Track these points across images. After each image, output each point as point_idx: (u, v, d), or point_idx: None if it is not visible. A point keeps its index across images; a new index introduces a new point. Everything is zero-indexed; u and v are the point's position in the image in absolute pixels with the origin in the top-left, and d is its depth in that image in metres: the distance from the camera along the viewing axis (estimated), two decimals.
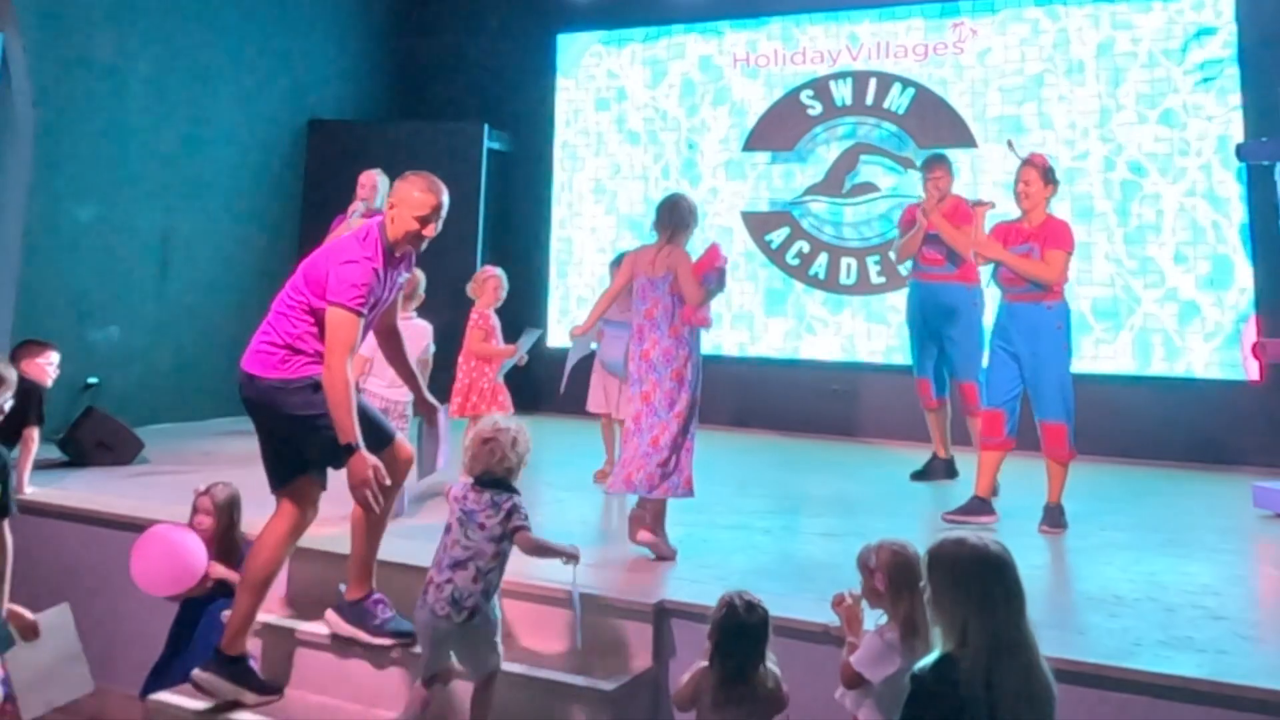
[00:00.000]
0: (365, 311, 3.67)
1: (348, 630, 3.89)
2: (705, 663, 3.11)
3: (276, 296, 3.88)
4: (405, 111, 10.11)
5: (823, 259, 8.78)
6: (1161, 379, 7.68)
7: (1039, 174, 5.24)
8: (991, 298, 5.82)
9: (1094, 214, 7.94)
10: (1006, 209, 5.72)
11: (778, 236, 8.95)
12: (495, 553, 3.53)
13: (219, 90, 8.47)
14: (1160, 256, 7.80)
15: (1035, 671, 2.47)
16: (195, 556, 4.10)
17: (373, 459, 3.56)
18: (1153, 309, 7.78)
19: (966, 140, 8.36)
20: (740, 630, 3.05)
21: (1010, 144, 5.89)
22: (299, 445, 3.74)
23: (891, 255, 7.54)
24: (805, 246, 8.84)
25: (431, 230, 3.82)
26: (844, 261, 8.70)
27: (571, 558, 3.64)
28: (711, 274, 4.51)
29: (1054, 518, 5.12)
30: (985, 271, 5.72)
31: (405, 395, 4.90)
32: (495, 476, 3.62)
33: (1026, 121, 8.25)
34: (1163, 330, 7.73)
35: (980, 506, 5.15)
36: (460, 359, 5.83)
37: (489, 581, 3.52)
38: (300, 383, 3.68)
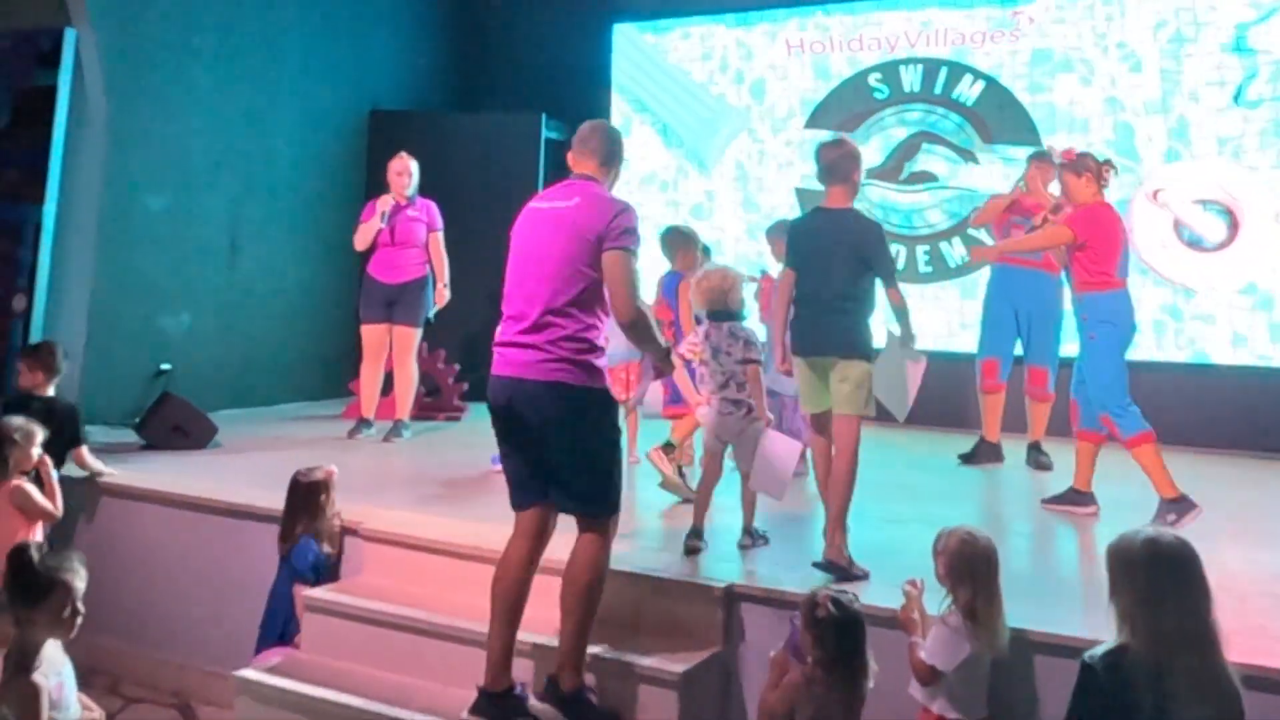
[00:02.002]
0: None
1: None
2: (794, 673, 3.06)
3: None
4: (464, 102, 10.20)
5: None
6: (1231, 368, 7.58)
7: (1068, 171, 5.27)
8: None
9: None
10: None
11: None
12: (744, 370, 4.34)
13: (283, 81, 8.60)
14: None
15: (1210, 669, 2.42)
16: None
17: None
18: (1215, 296, 7.70)
19: (1032, 139, 8.25)
20: (850, 625, 3.01)
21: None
22: None
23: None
24: None
25: None
26: (893, 248, 8.62)
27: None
28: None
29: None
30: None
31: None
32: (729, 311, 4.40)
33: (1084, 108, 8.16)
34: (1229, 317, 7.65)
35: (1079, 498, 5.20)
36: None
37: (746, 390, 4.35)
38: None
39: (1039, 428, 6.53)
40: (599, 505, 3.50)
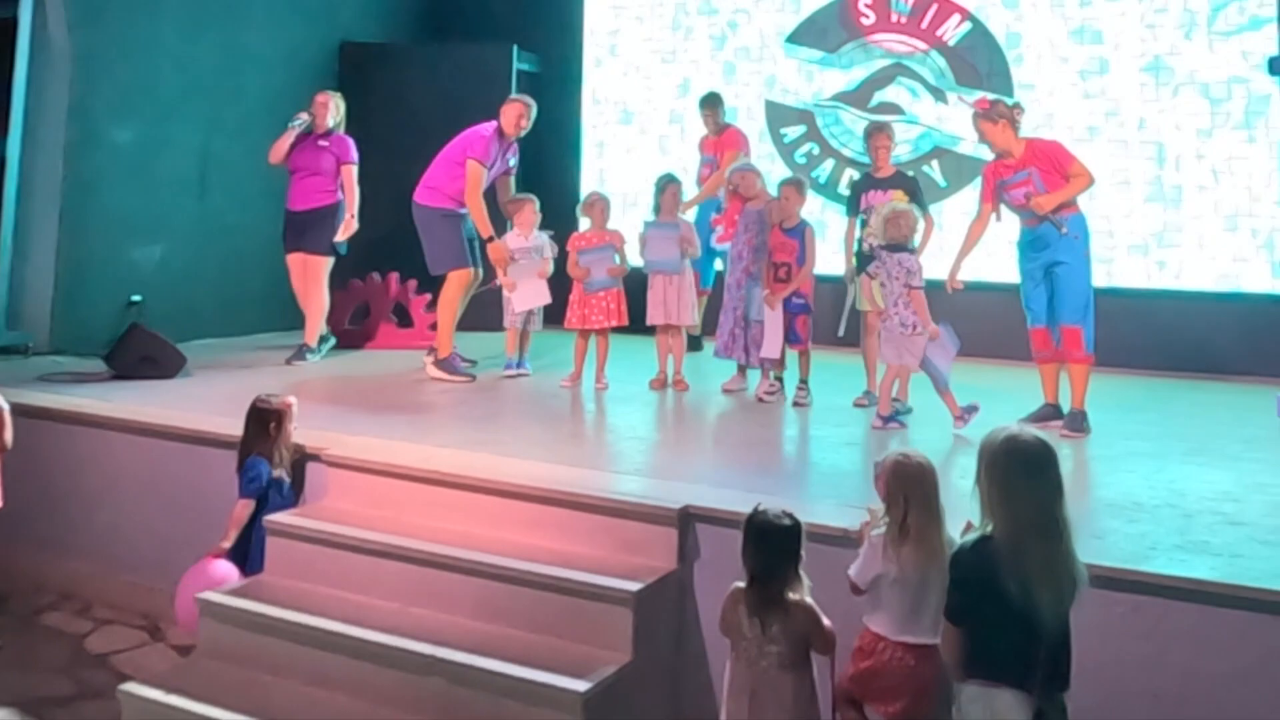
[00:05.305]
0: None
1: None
2: (740, 584, 3.14)
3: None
4: (435, 33, 10.08)
5: (828, 165, 8.72)
6: (1188, 293, 7.67)
7: (984, 119, 5.51)
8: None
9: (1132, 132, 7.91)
10: None
11: (792, 132, 8.89)
12: (905, 292, 5.28)
13: (252, 13, 8.49)
14: (1194, 171, 7.74)
15: (1061, 558, 2.62)
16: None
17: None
18: (1182, 223, 7.76)
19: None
20: (767, 531, 3.08)
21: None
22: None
23: None
24: (815, 149, 8.79)
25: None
26: (848, 172, 8.54)
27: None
28: None
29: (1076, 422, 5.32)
30: None
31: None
32: (899, 244, 5.33)
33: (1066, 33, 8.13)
34: (1192, 244, 7.72)
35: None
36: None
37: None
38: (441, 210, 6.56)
39: None
40: None
